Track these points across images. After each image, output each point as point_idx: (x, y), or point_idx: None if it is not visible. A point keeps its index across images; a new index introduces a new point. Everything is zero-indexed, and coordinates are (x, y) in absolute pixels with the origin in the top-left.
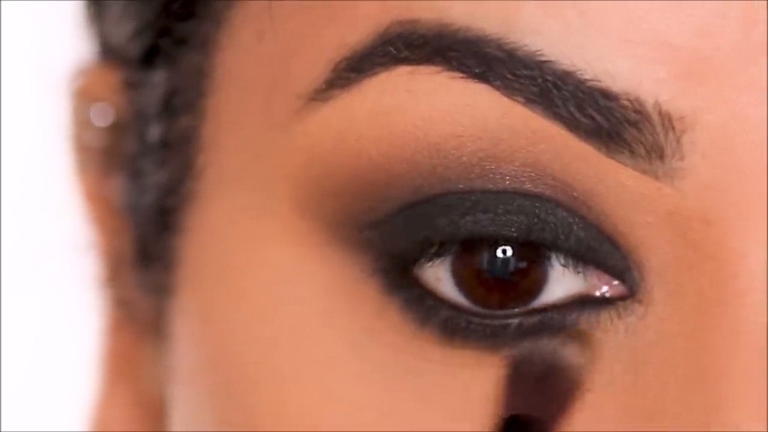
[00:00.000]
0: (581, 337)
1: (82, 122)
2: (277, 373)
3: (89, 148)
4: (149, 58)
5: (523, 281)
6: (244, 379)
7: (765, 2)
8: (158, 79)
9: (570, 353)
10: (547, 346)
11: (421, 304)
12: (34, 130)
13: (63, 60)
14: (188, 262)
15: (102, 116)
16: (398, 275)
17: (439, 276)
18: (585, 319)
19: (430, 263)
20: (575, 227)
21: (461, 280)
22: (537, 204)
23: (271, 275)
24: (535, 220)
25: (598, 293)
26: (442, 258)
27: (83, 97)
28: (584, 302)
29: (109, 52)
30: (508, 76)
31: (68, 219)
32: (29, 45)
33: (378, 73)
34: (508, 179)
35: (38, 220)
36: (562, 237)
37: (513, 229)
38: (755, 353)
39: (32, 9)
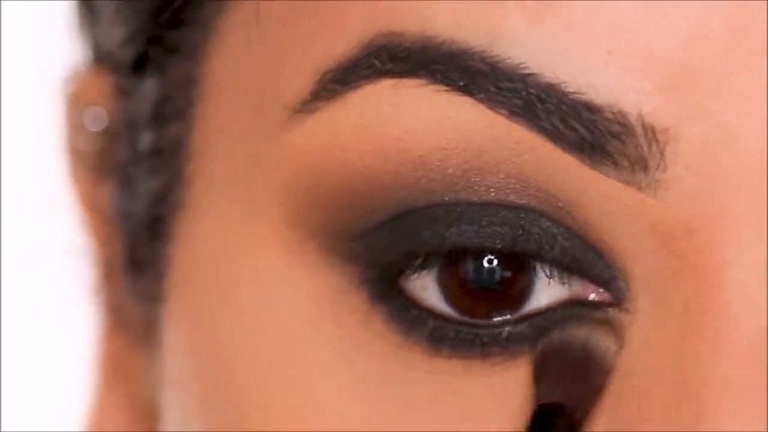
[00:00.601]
0: (609, 323)
1: (75, 126)
2: (267, 380)
3: (82, 153)
4: (140, 65)
5: (508, 290)
6: (234, 386)
7: (749, 15)
8: (149, 86)
9: (599, 338)
10: (578, 333)
11: (407, 314)
12: (30, 133)
13: (59, 64)
14: (178, 270)
15: (95, 121)
16: (384, 286)
17: (425, 286)
18: (574, 320)
19: (415, 275)
20: (560, 238)
21: (447, 291)
22: (521, 215)
23: (260, 283)
24: (520, 232)
25: (585, 298)
26: (428, 270)
27: (77, 102)
28: (572, 305)
29: (101, 57)
30: (492, 89)
31: (65, 223)
32: (25, 49)
33: (362, 86)
34: (493, 191)
35: (35, 224)
36: (546, 247)
37: (498, 241)
38: (738, 362)
39: (28, 13)
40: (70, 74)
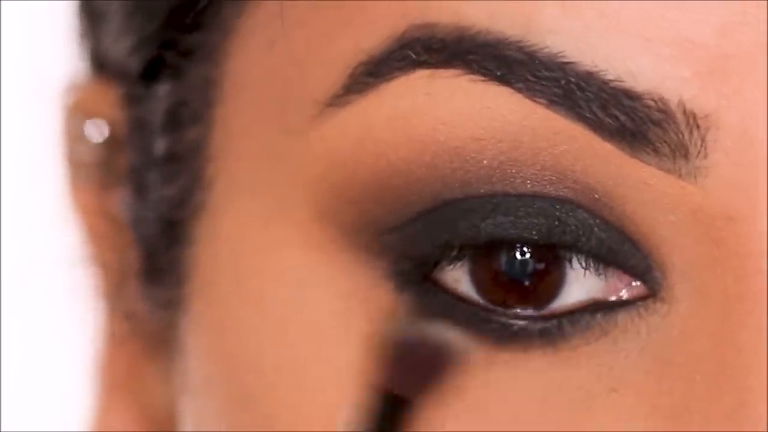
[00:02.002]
0: (438, 316)
1: (75, 137)
2: (296, 379)
3: (84, 163)
4: (152, 71)
5: (540, 283)
6: (263, 386)
7: None
8: (162, 92)
9: (453, 336)
10: (428, 330)
11: (441, 306)
12: (29, 142)
13: (58, 73)
14: (200, 273)
15: (96, 131)
16: (417, 278)
17: (457, 278)
18: (600, 323)
19: (450, 266)
20: (596, 229)
21: (479, 282)
22: (557, 206)
23: (287, 281)
24: (556, 223)
25: (614, 297)
26: (462, 261)
27: (77, 113)
28: (600, 306)
29: (104, 67)
30: (530, 78)
31: (64, 232)
32: (24, 59)
33: (396, 78)
34: (529, 183)
35: (34, 234)
36: (582, 239)
37: (534, 232)
38: None
39: (27, 23)
40: (68, 85)
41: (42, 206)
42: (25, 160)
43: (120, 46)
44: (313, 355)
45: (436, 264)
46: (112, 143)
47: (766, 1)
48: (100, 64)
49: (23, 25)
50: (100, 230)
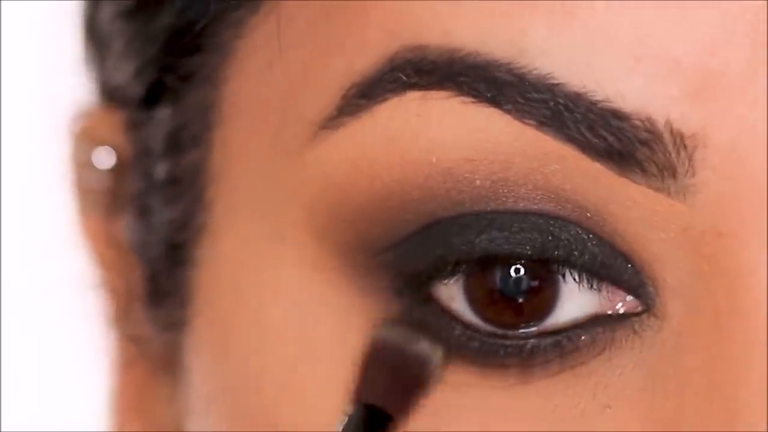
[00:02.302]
0: (433, 333)
1: (83, 164)
2: (296, 397)
3: (92, 190)
4: (152, 95)
5: (535, 300)
6: (263, 405)
7: None
8: (162, 115)
9: (425, 348)
10: (406, 336)
11: (438, 323)
12: (36, 167)
13: (66, 100)
14: (202, 293)
15: (104, 158)
16: (413, 295)
17: (452, 295)
18: (598, 338)
19: (444, 282)
20: (589, 244)
21: (474, 300)
22: (551, 221)
23: (286, 300)
24: (550, 238)
25: (611, 311)
26: (457, 277)
27: (84, 140)
28: (599, 321)
29: (110, 94)
30: (519, 99)
31: (71, 257)
32: (32, 85)
33: (388, 99)
34: (522, 202)
35: (48, 260)
36: (576, 253)
37: (527, 247)
38: None
39: (34, 50)
40: (76, 113)
41: (54, 232)
42: (34, 184)
43: (122, 71)
44: (311, 373)
45: (430, 279)
46: (118, 169)
47: (752, 20)
48: (107, 91)
49: (32, 50)
50: (109, 256)
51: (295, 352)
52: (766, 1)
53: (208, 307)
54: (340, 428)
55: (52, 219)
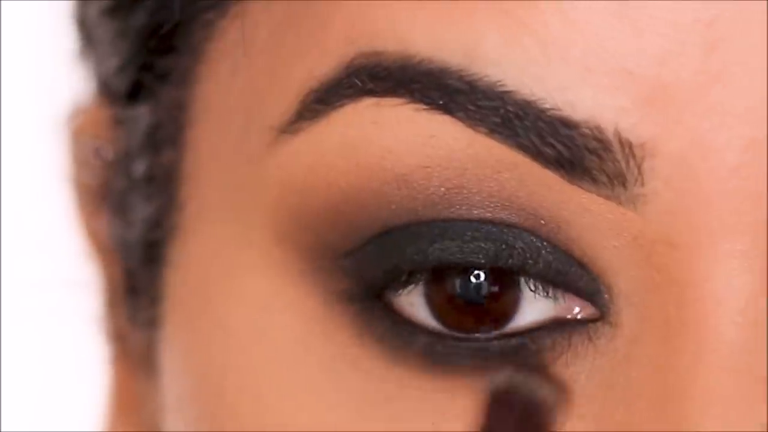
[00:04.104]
0: (555, 378)
1: (80, 160)
2: (258, 402)
3: (87, 186)
4: (133, 93)
5: (496, 305)
6: (226, 408)
7: (722, 30)
8: (141, 113)
9: (546, 393)
10: (526, 384)
11: (398, 331)
12: (34, 162)
13: (64, 94)
14: (172, 293)
15: (99, 153)
16: (374, 303)
17: (413, 302)
18: (558, 343)
19: (402, 290)
20: (543, 252)
21: (435, 307)
22: (505, 230)
23: (251, 305)
24: (503, 246)
25: (569, 316)
26: (414, 285)
27: (81, 135)
28: (558, 325)
29: (101, 89)
30: (470, 107)
31: (70, 253)
32: (29, 78)
33: (344, 105)
34: (476, 210)
35: (40, 254)
36: (530, 261)
37: (481, 256)
38: (718, 373)
39: (33, 44)
40: (74, 107)
41: (52, 229)
42: (33, 180)
43: (107, 68)
44: (273, 378)
45: (388, 288)
46: (107, 165)
47: (703, 32)
48: (99, 86)
49: (30, 45)
50: (97, 252)
51: (258, 358)
52: (716, 13)
53: (178, 307)
54: None
55: (51, 216)
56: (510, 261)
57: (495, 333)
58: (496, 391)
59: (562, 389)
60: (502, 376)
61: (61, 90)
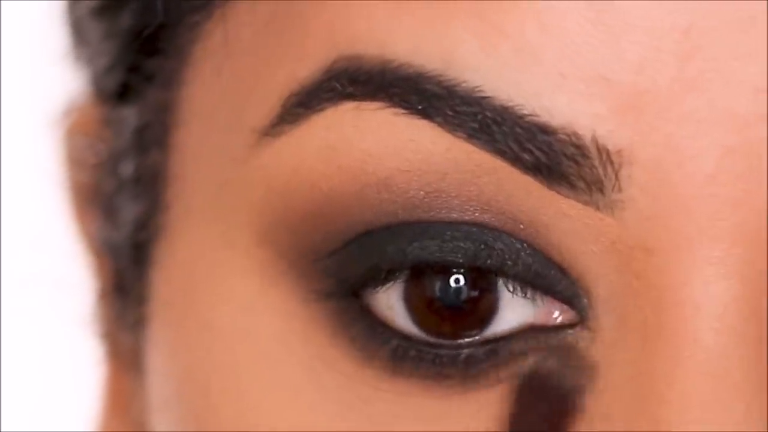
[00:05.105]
0: (582, 360)
1: (73, 158)
2: (240, 402)
3: (81, 185)
4: (121, 93)
5: (474, 309)
6: (209, 408)
7: (698, 38)
8: (129, 114)
9: (575, 376)
10: (552, 368)
11: (373, 332)
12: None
13: (58, 92)
14: (158, 294)
15: (91, 152)
16: (351, 303)
17: (391, 305)
18: (534, 348)
19: (380, 289)
20: (522, 253)
21: (413, 310)
22: (485, 230)
23: (234, 305)
24: (482, 247)
25: (548, 322)
26: (392, 284)
27: (74, 134)
28: (535, 332)
29: (92, 89)
30: (449, 112)
31: (63, 252)
32: (24, 77)
33: (325, 109)
34: (455, 213)
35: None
36: (509, 263)
37: (459, 256)
38: (695, 378)
39: (28, 42)
40: (68, 105)
41: (50, 228)
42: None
43: (97, 68)
44: (255, 378)
45: (366, 287)
46: (97, 165)
47: (679, 39)
48: (92, 86)
49: (26, 44)
50: (89, 252)
51: (241, 359)
52: (692, 20)
53: (163, 308)
54: None
55: (45, 214)
56: (489, 261)
57: (469, 340)
58: (523, 379)
59: (591, 372)
60: (528, 364)
61: (55, 88)
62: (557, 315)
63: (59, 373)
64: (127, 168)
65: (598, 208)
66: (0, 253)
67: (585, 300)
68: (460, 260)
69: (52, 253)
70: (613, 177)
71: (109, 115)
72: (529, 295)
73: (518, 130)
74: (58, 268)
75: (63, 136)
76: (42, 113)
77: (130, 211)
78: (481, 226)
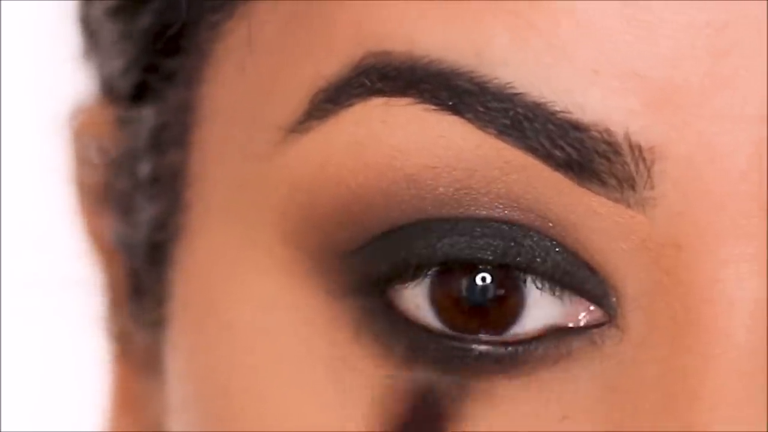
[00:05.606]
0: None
1: (81, 159)
2: (262, 402)
3: (89, 186)
4: (138, 94)
5: (501, 308)
6: (229, 408)
7: (732, 34)
8: (147, 114)
9: (444, 385)
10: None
11: (396, 330)
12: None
13: (65, 94)
14: (178, 294)
15: (100, 153)
16: (375, 300)
17: (417, 303)
18: (557, 349)
19: (406, 286)
20: (552, 251)
21: (439, 308)
22: (514, 227)
23: (255, 305)
24: (512, 244)
25: (572, 324)
26: (419, 281)
27: (83, 134)
28: (559, 333)
29: (105, 89)
30: (480, 108)
31: (70, 253)
32: (30, 77)
33: (353, 105)
34: (483, 210)
35: (42, 253)
36: (538, 260)
37: (489, 252)
38: (727, 375)
39: (33, 43)
40: (76, 106)
41: (53, 229)
42: (34, 180)
43: (112, 68)
44: (277, 379)
45: (393, 283)
46: (110, 165)
47: (711, 35)
48: (103, 86)
49: (32, 44)
50: (100, 252)
51: (262, 359)
52: (727, 17)
53: (183, 308)
54: None
55: (51, 214)
56: (518, 258)
57: (492, 339)
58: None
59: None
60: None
61: (63, 89)
62: (583, 316)
63: (63, 372)
64: (144, 168)
65: (629, 206)
66: (3, 252)
67: (613, 299)
68: (490, 257)
69: (56, 252)
70: (645, 174)
71: (123, 115)
72: (557, 293)
73: (550, 126)
74: (61, 268)
75: (71, 136)
76: (45, 113)
77: (147, 210)
78: (510, 223)
